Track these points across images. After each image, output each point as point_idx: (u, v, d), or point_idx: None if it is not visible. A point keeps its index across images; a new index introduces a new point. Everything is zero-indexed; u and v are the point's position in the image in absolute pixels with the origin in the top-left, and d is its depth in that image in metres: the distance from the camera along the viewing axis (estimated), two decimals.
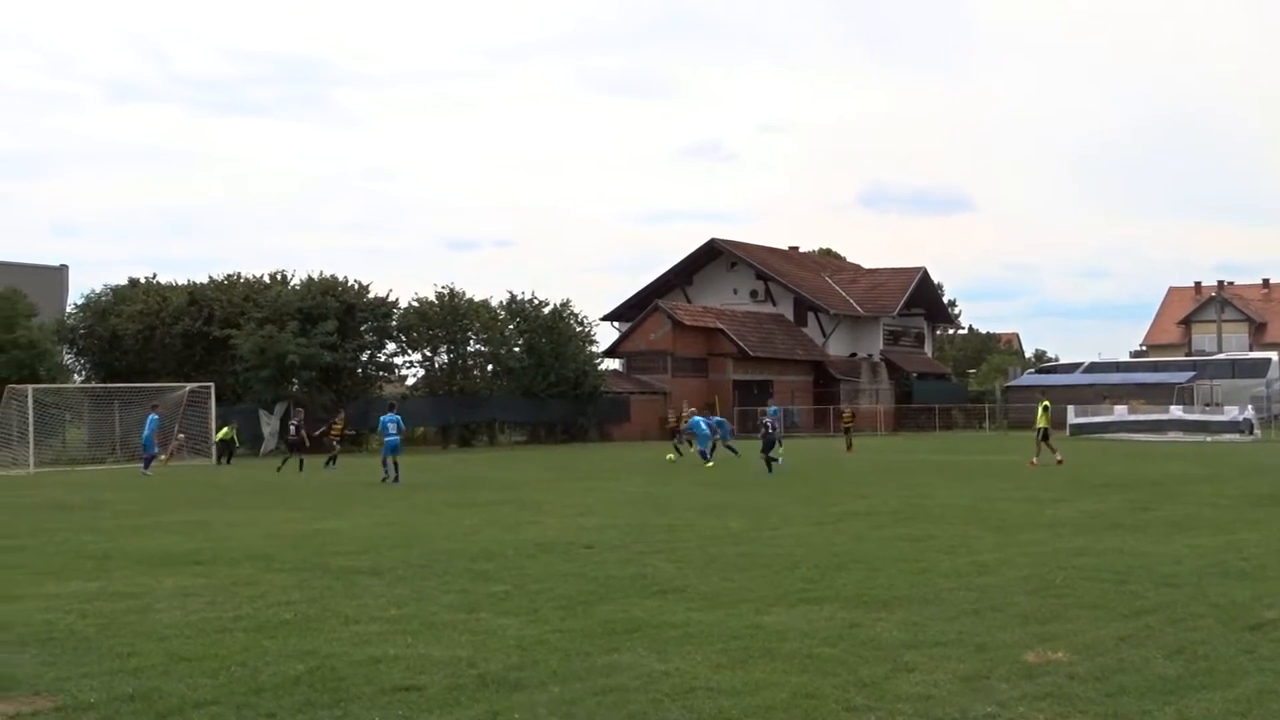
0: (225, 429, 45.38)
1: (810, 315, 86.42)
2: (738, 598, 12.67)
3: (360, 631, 11.13)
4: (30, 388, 44.73)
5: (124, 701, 8.70)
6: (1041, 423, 38.76)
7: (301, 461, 39.59)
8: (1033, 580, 13.65)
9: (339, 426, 41.90)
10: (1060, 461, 36.65)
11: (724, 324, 78.81)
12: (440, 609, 12.26)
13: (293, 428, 41.33)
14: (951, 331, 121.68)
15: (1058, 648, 10.03)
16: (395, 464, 33.10)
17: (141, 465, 39.48)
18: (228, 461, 44.14)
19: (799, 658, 9.80)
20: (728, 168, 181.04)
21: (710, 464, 38.70)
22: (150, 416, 40.23)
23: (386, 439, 33.95)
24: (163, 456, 42.81)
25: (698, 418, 42.11)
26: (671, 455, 42.49)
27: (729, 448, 42.76)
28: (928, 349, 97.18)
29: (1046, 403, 40.34)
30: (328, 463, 39.68)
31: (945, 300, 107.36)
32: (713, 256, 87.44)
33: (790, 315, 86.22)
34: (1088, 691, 8.67)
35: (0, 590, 13.99)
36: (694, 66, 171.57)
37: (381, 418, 35.06)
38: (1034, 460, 37.11)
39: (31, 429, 43.32)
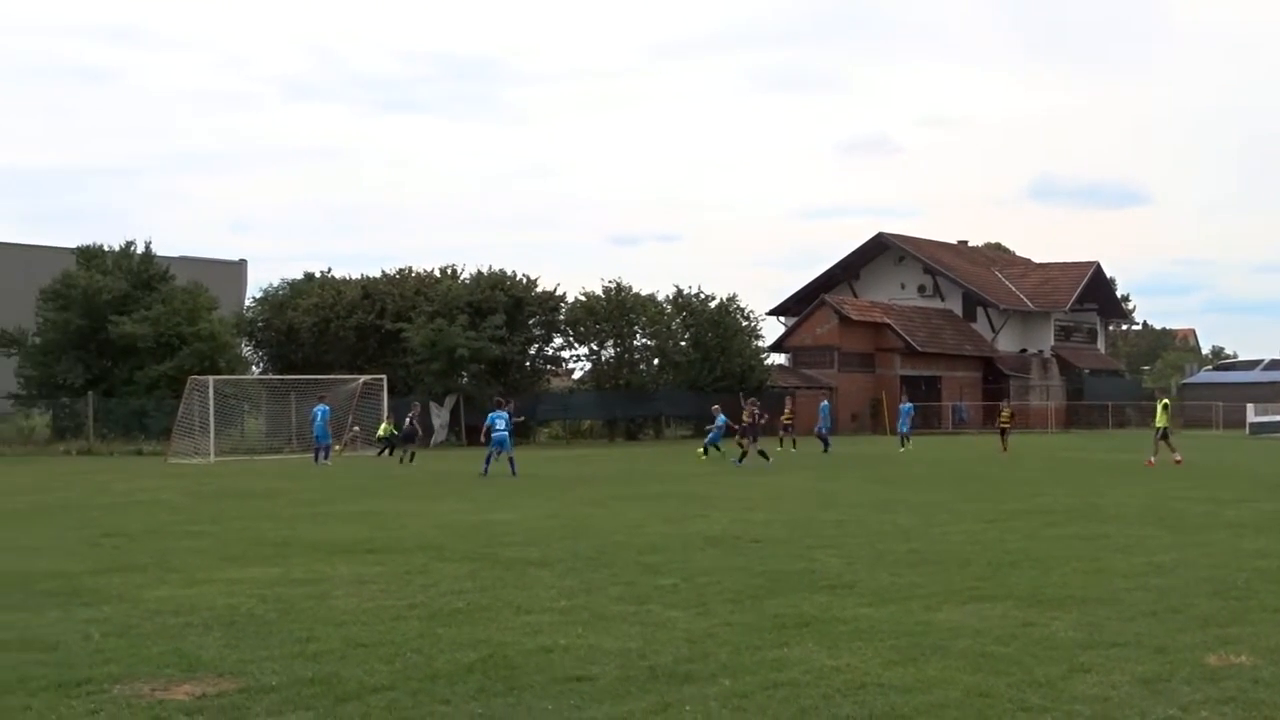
0: (384, 425, 46.10)
1: (979, 310, 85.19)
2: (908, 594, 12.57)
3: (531, 621, 11.25)
4: (211, 379, 45.91)
5: (304, 685, 8.91)
6: (1160, 422, 37.86)
7: (413, 454, 40.57)
8: (1213, 582, 13.31)
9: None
10: (1179, 461, 35.83)
11: (891, 319, 78.05)
12: (609, 601, 12.35)
13: (408, 420, 42.35)
14: (1125, 327, 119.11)
15: (1240, 651, 9.78)
16: (511, 460, 33.34)
17: (313, 456, 40.29)
18: (389, 454, 44.81)
19: (971, 656, 9.68)
20: (894, 162, 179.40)
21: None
22: (320, 408, 40.95)
23: (494, 434, 33.99)
24: (337, 447, 43.63)
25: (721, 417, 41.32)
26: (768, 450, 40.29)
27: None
28: (1100, 345, 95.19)
29: (1166, 401, 39.72)
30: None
31: (1118, 295, 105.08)
32: (880, 251, 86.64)
33: (959, 310, 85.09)
34: (1273, 696, 8.44)
35: (185, 574, 14.42)
36: (859, 61, 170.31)
37: (490, 414, 35.39)
38: (1151, 459, 36.29)
39: (212, 419, 44.48)
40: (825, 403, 48.88)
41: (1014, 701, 8.35)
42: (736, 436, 39.77)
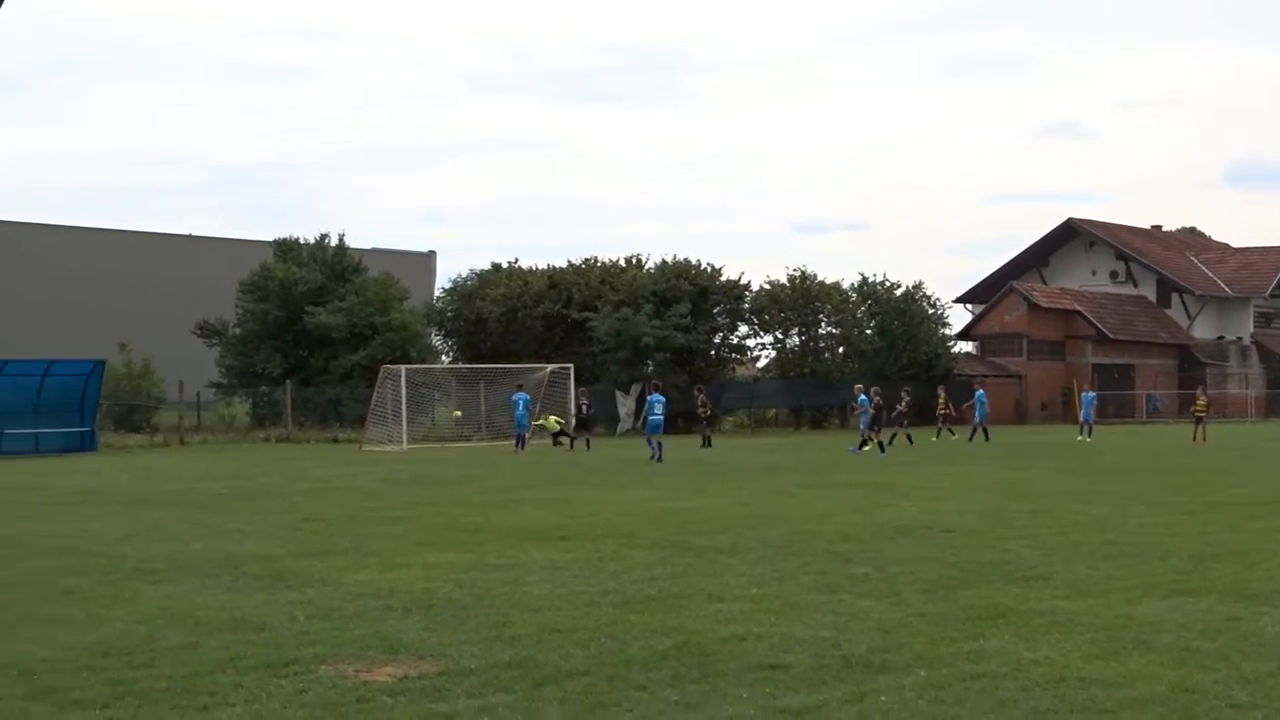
0: (550, 418, 46.43)
1: (1174, 296, 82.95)
2: (1106, 587, 12.32)
3: (723, 609, 11.28)
4: (403, 368, 46.82)
5: (502, 669, 9.06)
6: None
7: (588, 441, 41.28)
8: None
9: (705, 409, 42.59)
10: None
11: (1082, 306, 76.43)
12: (801, 589, 12.33)
13: (583, 406, 43.03)
14: None
15: None
16: (659, 443, 34.38)
17: (514, 443, 40.74)
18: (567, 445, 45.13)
19: (1175, 650, 9.46)
20: (1085, 146, 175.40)
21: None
22: (519, 395, 41.41)
23: (651, 418, 35.20)
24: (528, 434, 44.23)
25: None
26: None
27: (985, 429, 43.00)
28: None
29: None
30: (704, 443, 40.60)
31: None
32: (1070, 237, 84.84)
33: (1152, 296, 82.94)
34: None
35: (383, 559, 14.77)
36: (1050, 43, 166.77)
37: (650, 397, 36.40)
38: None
39: (404, 407, 45.35)
40: (980, 391, 47.11)
41: (1221, 698, 8.14)
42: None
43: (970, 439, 43.84)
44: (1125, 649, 9.53)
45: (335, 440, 48.94)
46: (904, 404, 43.30)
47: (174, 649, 9.81)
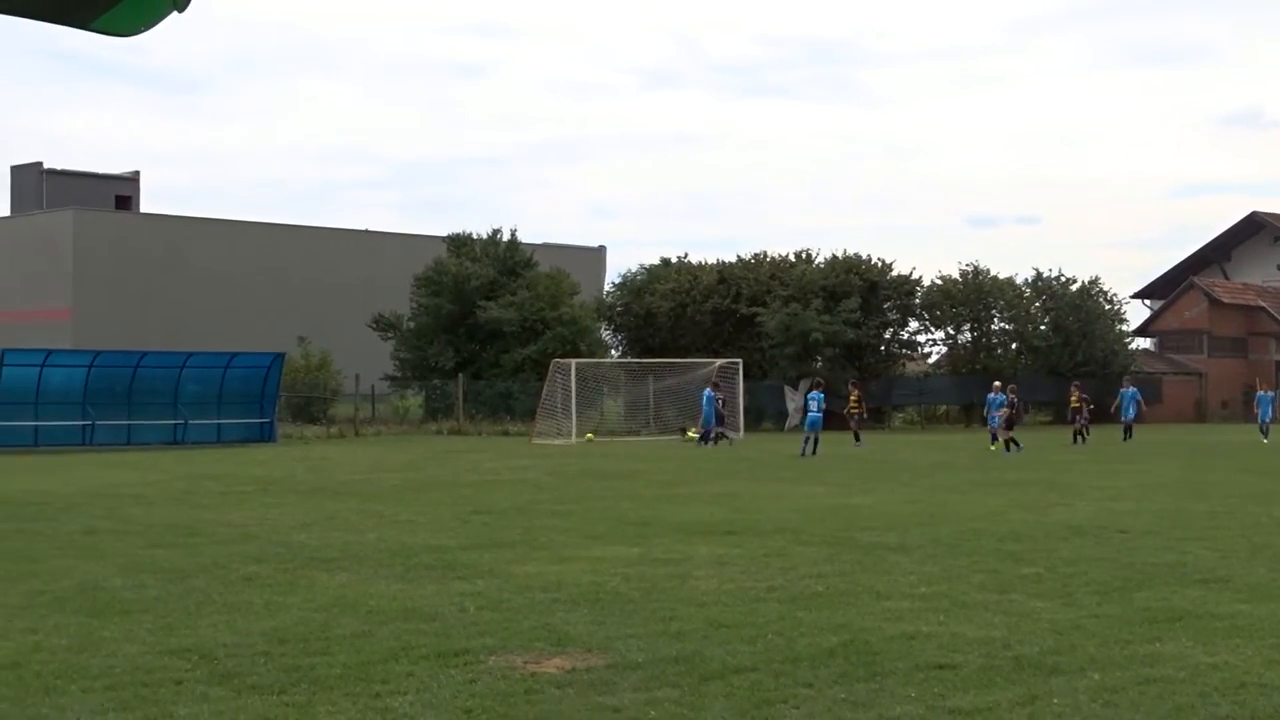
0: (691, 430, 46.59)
1: None
2: None
3: (891, 607, 11.19)
4: (573, 362, 47.20)
5: (669, 663, 9.10)
6: None
7: (718, 435, 41.55)
8: None
9: (854, 401, 42.12)
10: None
11: (1266, 302, 74.22)
12: (971, 588, 12.17)
13: (719, 401, 42.99)
14: None
15: None
16: (816, 439, 34.97)
17: (701, 439, 40.72)
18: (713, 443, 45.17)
19: None
20: (1269, 136, 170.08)
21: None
22: (708, 393, 41.56)
23: (809, 415, 35.79)
24: (690, 433, 44.41)
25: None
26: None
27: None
28: None
29: None
30: (856, 439, 40.11)
31: None
32: (1254, 230, 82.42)
33: None
34: None
35: (551, 551, 14.92)
36: (1229, 31, 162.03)
37: (807, 395, 36.75)
38: None
39: (574, 401, 45.71)
40: (1130, 389, 44.86)
41: None
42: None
43: (1125, 438, 41.97)
44: None
45: (506, 433, 49.48)
46: (1075, 400, 42.15)
47: (348, 637, 10.03)
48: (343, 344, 58.46)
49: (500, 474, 28.22)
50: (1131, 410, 43.67)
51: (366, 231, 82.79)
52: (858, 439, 39.62)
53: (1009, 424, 37.04)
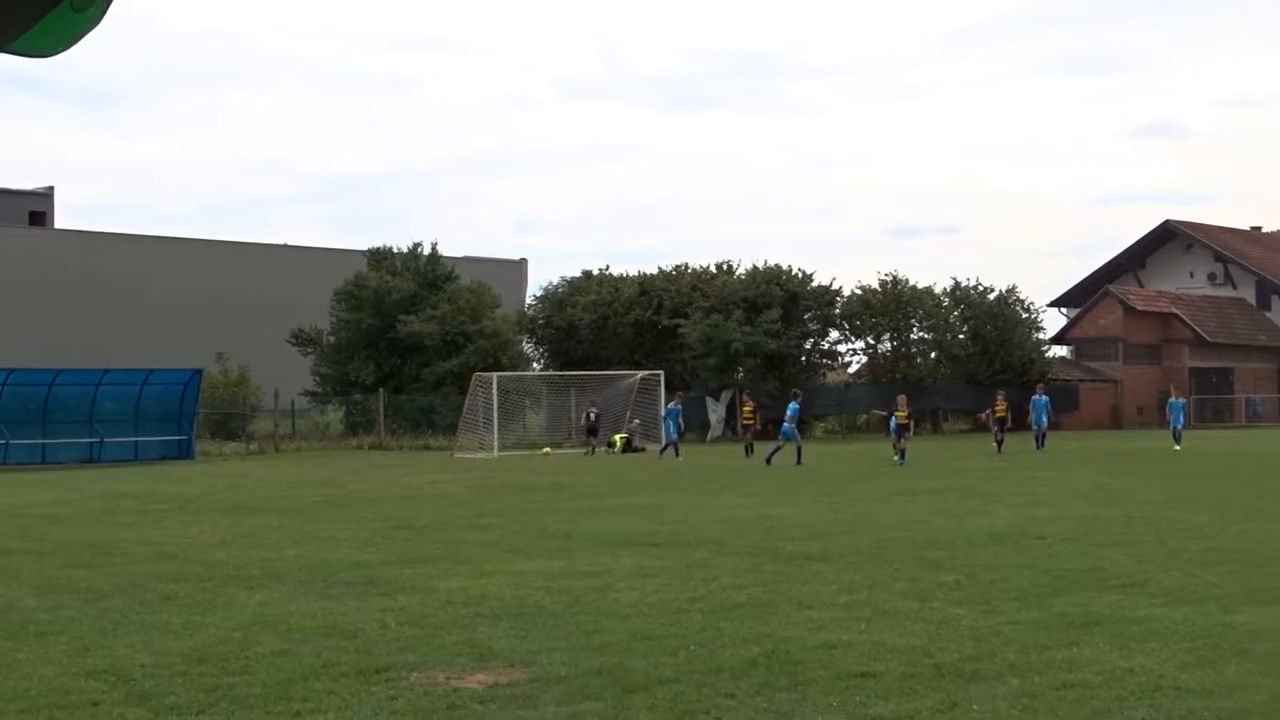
0: (618, 436, 46.74)
1: (1274, 299, 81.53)
2: (1204, 594, 12.14)
3: (813, 617, 11.24)
4: (495, 375, 47.13)
5: (591, 676, 9.08)
6: None
7: (593, 448, 42.79)
8: None
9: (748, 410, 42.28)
10: None
11: (1179, 309, 75.35)
12: (892, 596, 12.25)
13: (590, 414, 44.55)
14: None
15: None
16: (798, 449, 35.54)
17: (666, 451, 40.38)
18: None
19: (1275, 659, 9.31)
20: (1182, 146, 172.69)
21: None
22: (672, 407, 41.56)
23: (784, 426, 36.62)
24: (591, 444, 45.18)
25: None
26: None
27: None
28: None
29: None
30: (747, 451, 39.82)
31: None
32: (1167, 239, 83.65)
33: (1252, 299, 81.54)
34: None
35: (474, 566, 14.86)
36: (1144, 42, 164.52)
37: (792, 405, 37.59)
38: None
39: (496, 414, 45.63)
40: (1042, 397, 44.09)
41: None
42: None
43: (1039, 446, 41.48)
44: (1222, 658, 9.38)
45: (427, 447, 49.29)
46: (1001, 408, 42.11)
47: (268, 655, 9.93)
48: (262, 360, 57.96)
49: (422, 489, 28.08)
50: (1044, 418, 43.40)
51: (286, 246, 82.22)
52: (749, 451, 39.33)
53: (900, 434, 36.19)
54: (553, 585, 13.20)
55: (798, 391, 41.52)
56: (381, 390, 53.93)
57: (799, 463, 34.53)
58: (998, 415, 42.07)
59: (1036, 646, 9.84)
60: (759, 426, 42.11)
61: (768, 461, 34.38)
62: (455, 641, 10.35)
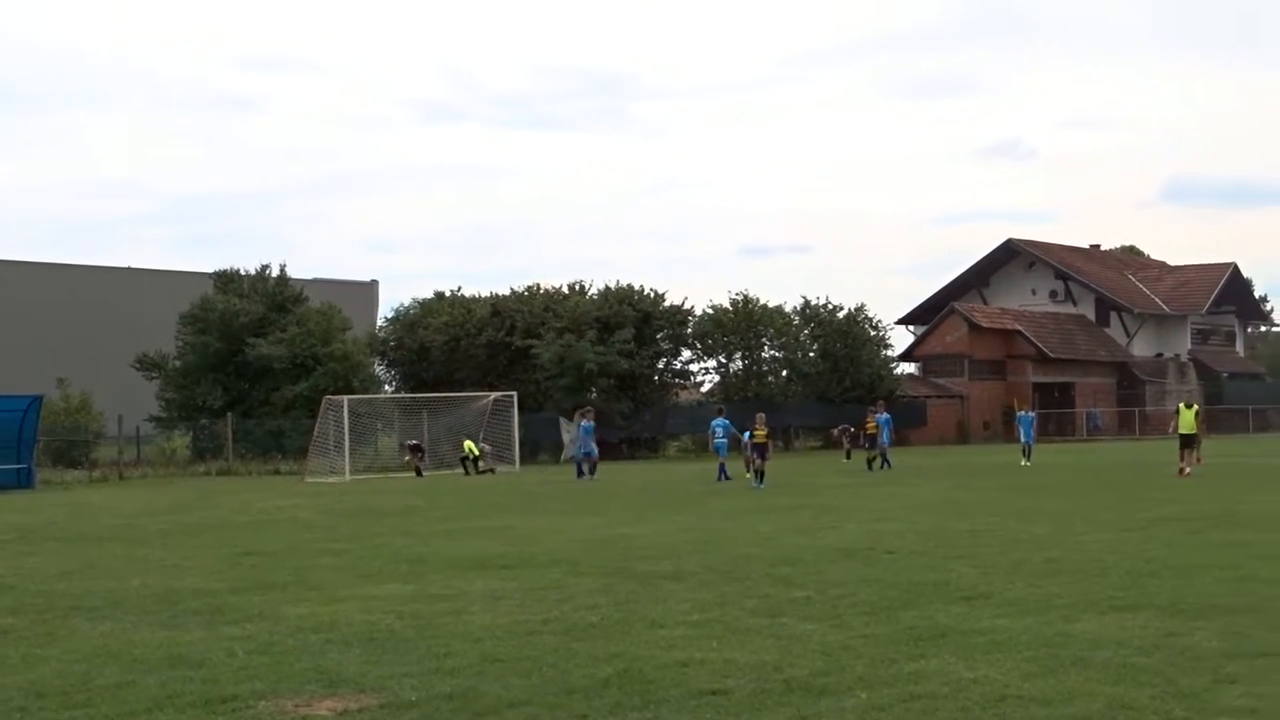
0: (468, 442, 46.60)
1: (1113, 315, 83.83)
2: (1045, 605, 12.40)
3: (666, 635, 11.27)
4: (345, 398, 46.65)
5: (443, 700, 9.01)
6: (1188, 428, 34.20)
7: (419, 470, 44.50)
8: None
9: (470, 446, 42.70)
10: (1184, 473, 32.90)
11: (1022, 325, 77.13)
12: (743, 614, 12.33)
13: (410, 444, 45.94)
14: (1264, 329, 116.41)
15: None
16: (722, 464, 36.34)
17: (582, 472, 39.18)
18: (476, 472, 45.21)
19: (1113, 667, 9.52)
20: (1026, 166, 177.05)
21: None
22: (584, 424, 39.91)
23: (715, 441, 37.35)
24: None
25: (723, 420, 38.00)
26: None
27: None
28: (1239, 348, 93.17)
29: (1195, 406, 35.81)
30: (579, 473, 39.24)
31: (1257, 296, 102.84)
32: (1010, 257, 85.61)
33: (1092, 315, 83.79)
34: None
35: (324, 592, 14.66)
36: (993, 64, 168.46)
37: (712, 421, 38.09)
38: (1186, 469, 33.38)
39: (347, 438, 45.17)
40: (883, 414, 42.86)
41: (1158, 714, 8.20)
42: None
43: (879, 465, 40.79)
44: (1063, 666, 9.58)
45: (277, 472, 48.62)
46: (871, 424, 42.02)
47: (110, 687, 9.70)
48: (105, 385, 56.82)
49: (271, 514, 27.66)
50: (886, 436, 42.35)
51: (128, 269, 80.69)
52: (580, 473, 38.82)
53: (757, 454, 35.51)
54: (404, 609, 13.08)
55: (721, 407, 42.14)
56: (229, 415, 53.14)
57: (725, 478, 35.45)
58: (869, 432, 42.05)
59: (885, 660, 9.97)
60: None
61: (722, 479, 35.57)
62: (304, 669, 10.20)
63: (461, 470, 45.44)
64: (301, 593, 14.65)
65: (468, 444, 46.14)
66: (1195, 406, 35.87)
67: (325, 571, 16.66)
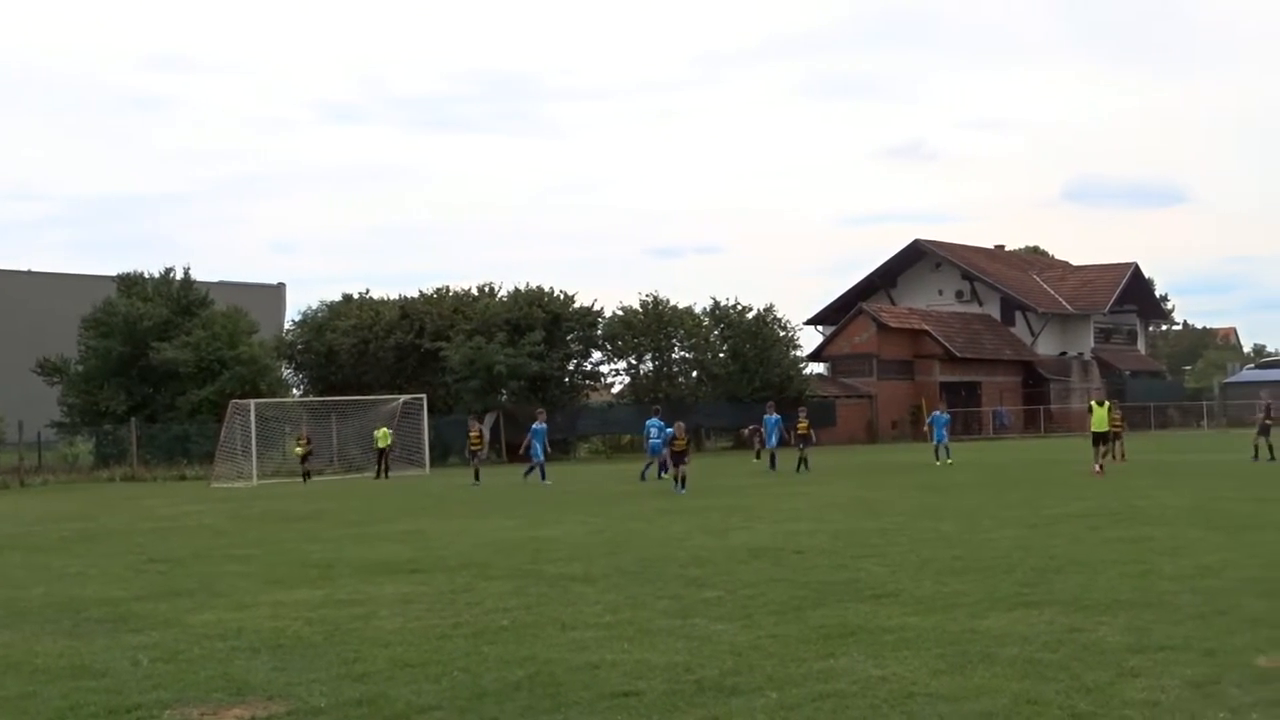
0: (383, 429, 46.21)
1: (1018, 314, 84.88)
2: (953, 602, 12.52)
3: (577, 638, 11.25)
4: (252, 402, 46.17)
5: (352, 706, 8.94)
6: (1100, 425, 33.84)
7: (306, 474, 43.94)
8: (1261, 583, 13.21)
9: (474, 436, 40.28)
10: (1099, 471, 32.43)
11: (929, 325, 77.89)
12: (654, 615, 12.34)
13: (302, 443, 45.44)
14: (1165, 328, 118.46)
15: None
16: (652, 464, 36.34)
17: (531, 473, 37.95)
18: (385, 475, 44.87)
19: (1019, 663, 9.63)
20: (932, 167, 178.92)
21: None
22: (537, 426, 38.24)
23: (650, 441, 37.08)
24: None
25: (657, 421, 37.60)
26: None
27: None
28: (1140, 346, 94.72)
29: (1108, 402, 35.73)
30: (475, 477, 38.08)
31: (1157, 296, 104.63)
32: (917, 258, 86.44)
33: (997, 315, 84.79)
34: None
35: (231, 598, 14.49)
36: (899, 66, 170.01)
37: (646, 421, 37.92)
38: (1099, 467, 32.99)
39: (254, 442, 44.73)
40: (773, 415, 42.31)
41: (1063, 708, 8.30)
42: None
43: (771, 466, 40.34)
44: (971, 663, 9.68)
45: (183, 478, 48.06)
46: (803, 426, 40.42)
47: (11, 699, 9.52)
48: (4, 390, 55.95)
49: (178, 520, 27.32)
50: (774, 438, 41.69)
51: (28, 272, 79.39)
52: (476, 478, 37.61)
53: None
54: (313, 615, 12.96)
55: (658, 408, 40.76)
56: (134, 419, 52.44)
57: (652, 478, 35.53)
58: (800, 432, 40.27)
59: (794, 659, 10.02)
60: (485, 452, 40.61)
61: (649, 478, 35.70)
62: (210, 676, 10.08)
63: (373, 474, 45.13)
64: (208, 599, 14.47)
65: (382, 431, 45.78)
66: (1108, 404, 35.64)
67: (232, 578, 16.47)
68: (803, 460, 39.49)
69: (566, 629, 11.71)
